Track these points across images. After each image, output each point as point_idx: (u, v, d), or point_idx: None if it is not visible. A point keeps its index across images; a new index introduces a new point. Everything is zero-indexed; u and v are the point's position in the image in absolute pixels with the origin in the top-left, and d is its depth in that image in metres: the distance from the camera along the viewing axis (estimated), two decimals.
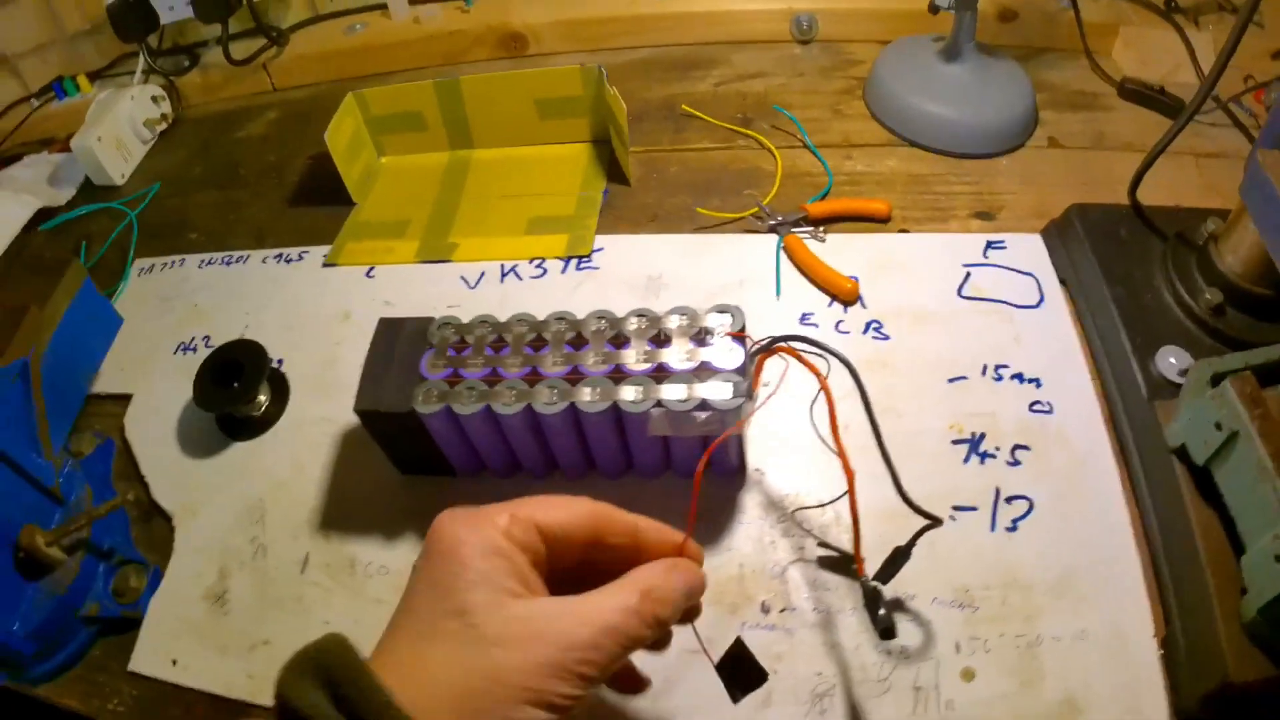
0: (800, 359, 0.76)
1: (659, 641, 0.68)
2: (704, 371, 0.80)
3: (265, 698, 0.81)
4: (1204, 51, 1.29)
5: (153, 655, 0.86)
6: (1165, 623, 0.79)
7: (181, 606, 0.89)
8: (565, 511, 0.62)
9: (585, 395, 0.79)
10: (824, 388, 0.74)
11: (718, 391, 0.77)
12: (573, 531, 0.62)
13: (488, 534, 0.59)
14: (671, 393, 0.78)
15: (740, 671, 0.69)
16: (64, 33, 1.51)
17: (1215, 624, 0.71)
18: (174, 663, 0.85)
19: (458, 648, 0.55)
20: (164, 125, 1.47)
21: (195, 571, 0.91)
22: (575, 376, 0.81)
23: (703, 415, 0.77)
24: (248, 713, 0.81)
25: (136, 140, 1.43)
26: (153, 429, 1.03)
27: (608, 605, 0.58)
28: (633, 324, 0.84)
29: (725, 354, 0.80)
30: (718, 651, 0.69)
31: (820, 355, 0.77)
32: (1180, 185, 1.13)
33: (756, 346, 0.82)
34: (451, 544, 0.58)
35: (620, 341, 0.83)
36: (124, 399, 1.07)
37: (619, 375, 0.81)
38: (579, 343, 0.84)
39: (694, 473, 0.65)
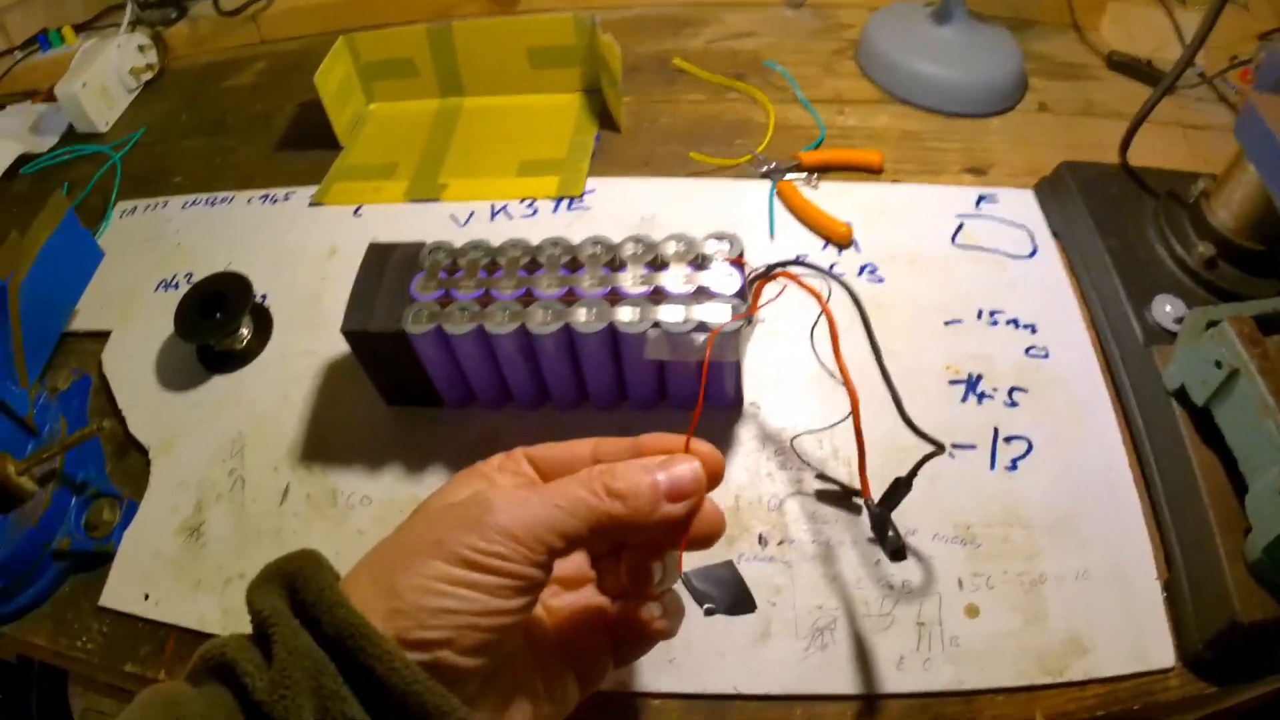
0: (800, 283, 0.73)
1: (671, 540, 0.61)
2: (702, 295, 0.77)
3: (241, 631, 0.78)
4: (1190, 30, 1.27)
5: (124, 590, 0.83)
6: (1168, 565, 0.77)
7: (155, 540, 0.85)
8: (563, 447, 0.61)
9: (581, 316, 0.76)
10: (825, 309, 0.71)
11: (716, 314, 0.75)
12: (569, 460, 0.60)
13: (477, 469, 0.60)
14: (669, 314, 0.75)
15: (725, 591, 0.65)
16: None
17: (1220, 564, 0.70)
18: (146, 597, 0.82)
19: (396, 530, 0.55)
20: (150, 75, 1.43)
21: (170, 505, 0.88)
22: (570, 299, 0.78)
23: (701, 338, 0.74)
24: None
25: (122, 89, 1.39)
26: (131, 364, 1.00)
27: (551, 492, 0.55)
28: (629, 249, 0.81)
29: (723, 278, 0.78)
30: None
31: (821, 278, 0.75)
32: (1169, 154, 1.12)
33: (755, 272, 0.79)
34: (449, 481, 0.60)
35: (617, 266, 0.80)
36: (103, 336, 1.03)
37: (615, 298, 0.78)
38: (574, 266, 0.81)
39: (691, 405, 0.63)
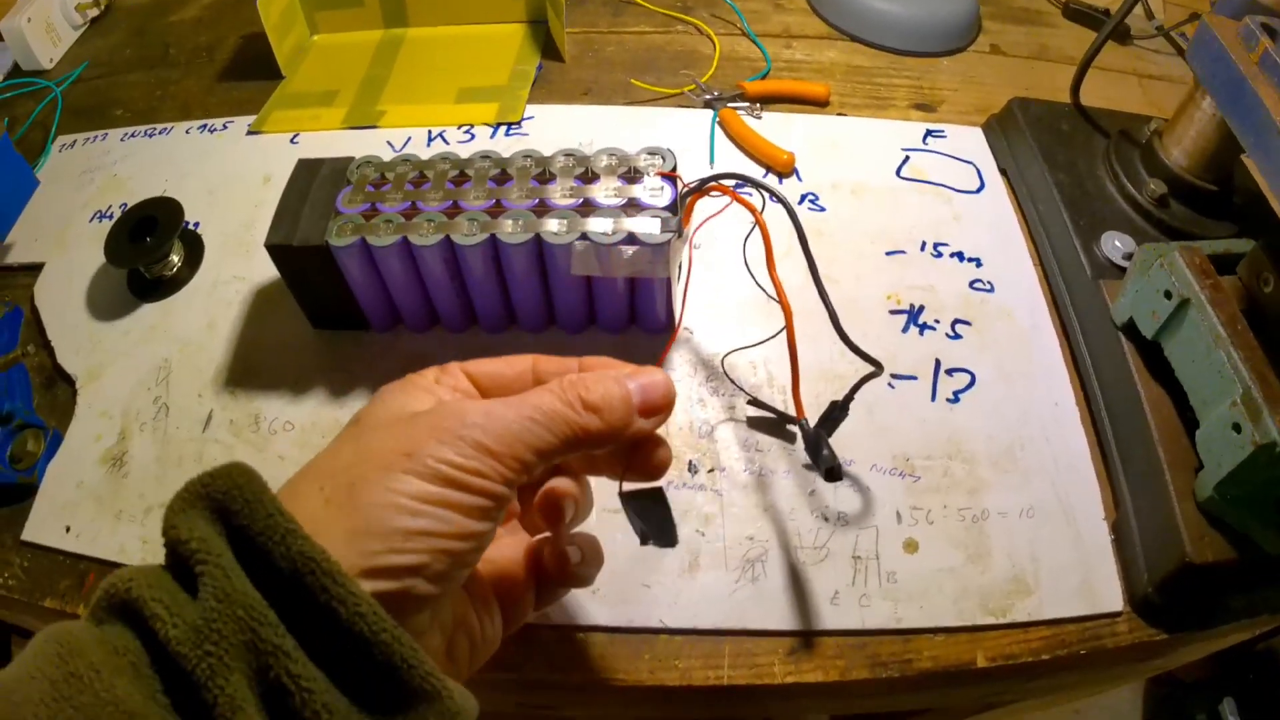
0: (734, 196, 0.71)
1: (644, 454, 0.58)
2: (632, 208, 0.73)
3: (160, 561, 0.74)
4: None
5: (47, 523, 0.79)
6: (1115, 505, 0.76)
7: (79, 471, 0.81)
8: (501, 362, 0.56)
9: (507, 227, 0.73)
10: (758, 220, 0.69)
11: (646, 226, 0.71)
12: (511, 378, 0.56)
13: (410, 381, 0.53)
14: (597, 226, 0.72)
15: (651, 518, 0.61)
16: None
17: (1170, 504, 0.68)
18: (68, 529, 0.78)
19: (339, 441, 0.49)
20: (96, 11, 1.37)
21: (95, 434, 0.84)
22: (497, 210, 0.74)
23: (629, 250, 0.71)
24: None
25: (67, 25, 1.33)
26: (63, 295, 0.96)
27: (515, 404, 0.50)
28: (560, 161, 0.77)
29: (655, 192, 0.74)
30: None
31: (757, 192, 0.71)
32: (1124, 101, 1.09)
33: (688, 187, 0.75)
34: (374, 396, 0.53)
35: (547, 179, 0.76)
36: (36, 269, 0.99)
37: (544, 209, 0.74)
38: (503, 179, 0.77)
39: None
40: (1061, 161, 0.94)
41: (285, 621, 0.40)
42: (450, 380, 0.54)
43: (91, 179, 1.08)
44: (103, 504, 0.79)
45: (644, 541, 0.61)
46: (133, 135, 1.14)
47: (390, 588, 0.42)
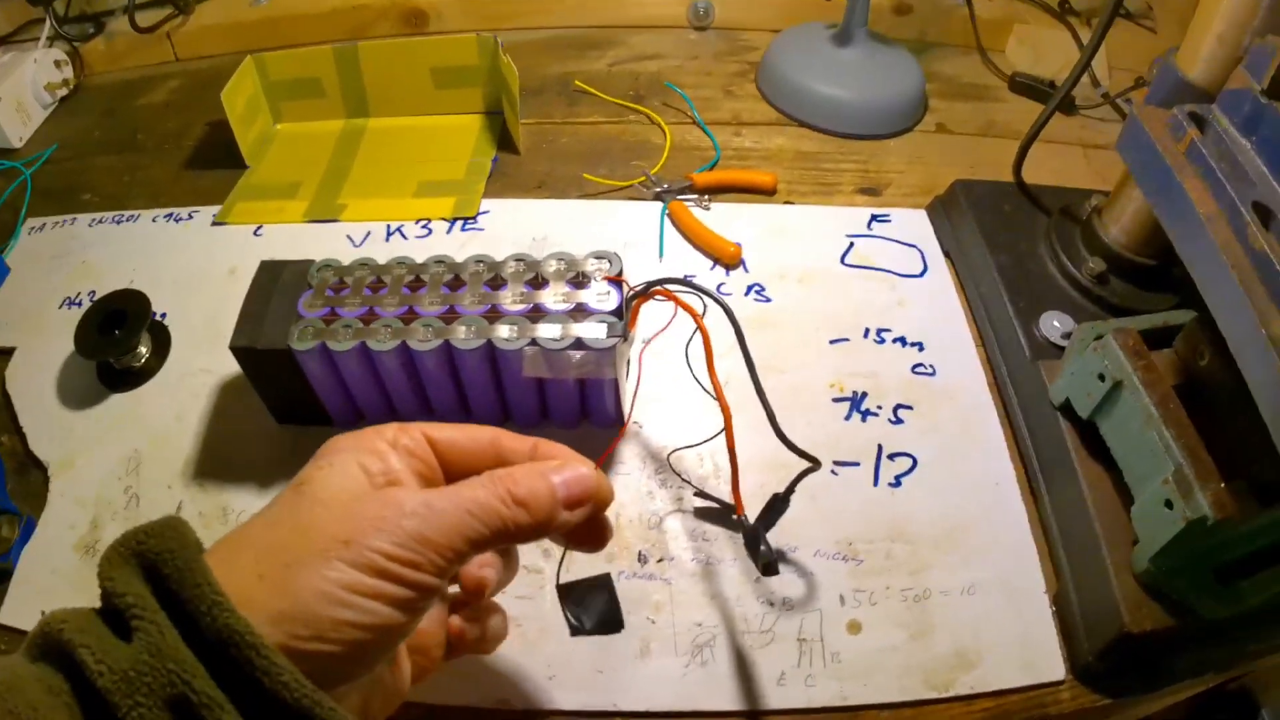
0: (676, 300, 0.73)
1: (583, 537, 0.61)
2: (580, 313, 0.76)
3: None
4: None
5: (23, 607, 0.80)
6: (1056, 577, 0.78)
7: (53, 557, 0.83)
8: (463, 432, 0.57)
9: (460, 333, 0.75)
10: (699, 325, 0.71)
11: (593, 331, 0.74)
12: (470, 450, 0.57)
13: (369, 438, 0.54)
14: (546, 331, 0.74)
15: (595, 609, 0.64)
16: None
17: (1108, 576, 0.70)
18: (43, 614, 0.78)
19: (278, 506, 0.50)
20: (65, 91, 1.39)
21: (69, 522, 0.85)
22: (451, 316, 0.77)
23: (578, 355, 0.74)
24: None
25: (37, 105, 1.36)
26: (34, 381, 0.97)
27: (452, 494, 0.51)
28: (511, 267, 0.80)
29: (602, 296, 0.77)
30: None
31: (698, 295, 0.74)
32: (1068, 173, 1.13)
33: (633, 291, 0.78)
34: (328, 448, 0.53)
35: (498, 284, 0.79)
36: (7, 353, 1.01)
37: (495, 315, 0.77)
38: (456, 285, 0.80)
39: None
40: (1003, 242, 0.96)
41: (214, 679, 0.41)
42: (407, 441, 0.55)
43: (61, 265, 1.10)
44: (77, 589, 0.80)
45: (574, 633, 0.64)
46: (101, 221, 1.16)
47: (312, 668, 0.43)
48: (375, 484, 0.51)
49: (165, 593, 0.42)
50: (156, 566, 0.43)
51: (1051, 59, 1.32)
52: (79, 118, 1.38)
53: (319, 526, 0.47)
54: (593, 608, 0.64)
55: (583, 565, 0.76)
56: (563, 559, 0.66)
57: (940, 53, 1.38)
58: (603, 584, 0.64)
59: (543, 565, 0.77)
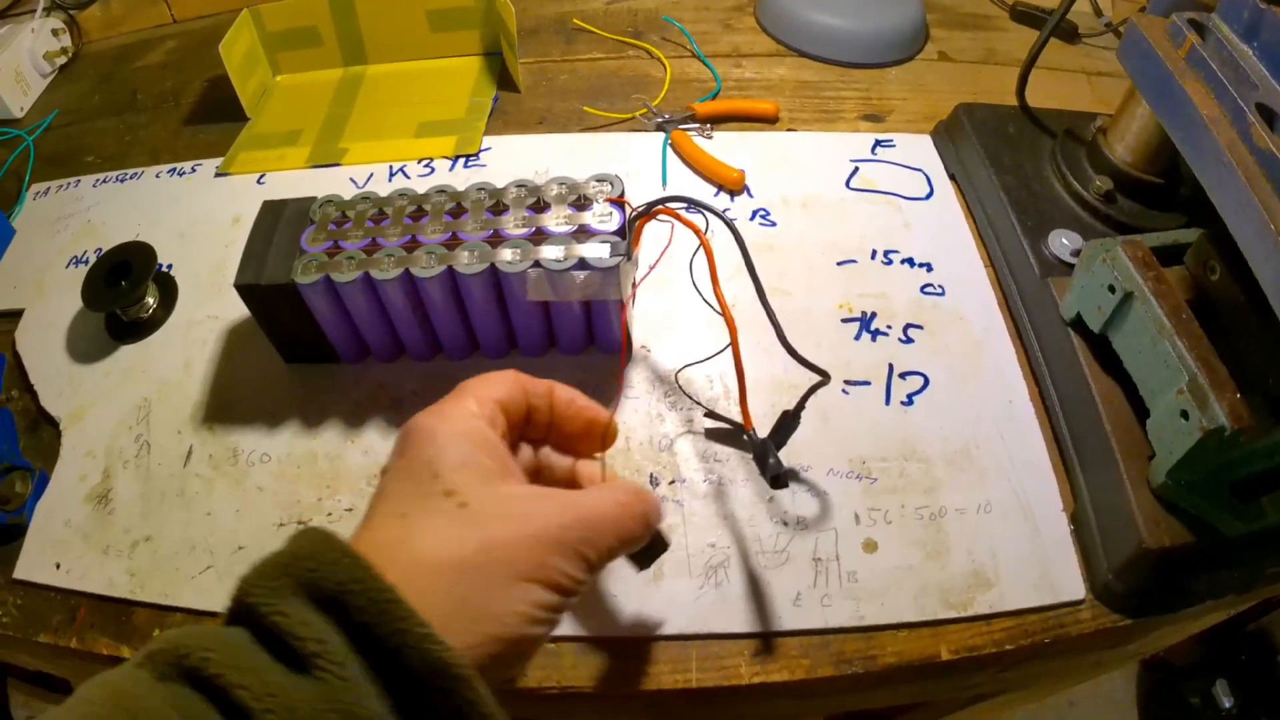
0: (679, 218, 0.73)
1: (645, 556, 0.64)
2: (582, 234, 0.76)
3: (146, 593, 0.77)
4: None
5: (37, 561, 0.81)
6: (1073, 496, 0.77)
7: (66, 510, 0.84)
8: (505, 386, 0.58)
9: (463, 258, 0.75)
10: (703, 241, 0.71)
11: (596, 251, 0.74)
12: (515, 404, 0.58)
13: (462, 419, 0.54)
14: (549, 253, 0.74)
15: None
16: None
17: (1125, 492, 0.70)
18: (58, 566, 0.80)
19: (448, 524, 0.49)
20: (64, 59, 1.39)
21: (80, 474, 0.86)
22: (454, 243, 0.77)
23: (581, 275, 0.74)
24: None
25: (36, 74, 1.36)
26: (43, 340, 0.98)
27: (598, 496, 0.54)
28: (512, 193, 0.80)
29: (604, 218, 0.77)
30: None
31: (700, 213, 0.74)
32: (1073, 99, 1.12)
33: (635, 211, 0.77)
34: (427, 433, 0.53)
35: (500, 210, 0.79)
36: (16, 315, 1.01)
37: (497, 240, 0.77)
38: (459, 213, 0.79)
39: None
40: (1008, 164, 0.95)
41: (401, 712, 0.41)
42: (488, 413, 0.56)
43: (66, 225, 1.10)
44: (90, 540, 0.81)
45: (642, 568, 0.64)
46: (104, 181, 1.16)
47: (493, 677, 0.44)
48: (502, 471, 0.53)
49: (354, 626, 0.41)
50: (338, 599, 0.41)
51: None
52: (78, 84, 1.38)
53: (504, 551, 0.48)
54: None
55: None
56: None
57: None
58: None
59: None
